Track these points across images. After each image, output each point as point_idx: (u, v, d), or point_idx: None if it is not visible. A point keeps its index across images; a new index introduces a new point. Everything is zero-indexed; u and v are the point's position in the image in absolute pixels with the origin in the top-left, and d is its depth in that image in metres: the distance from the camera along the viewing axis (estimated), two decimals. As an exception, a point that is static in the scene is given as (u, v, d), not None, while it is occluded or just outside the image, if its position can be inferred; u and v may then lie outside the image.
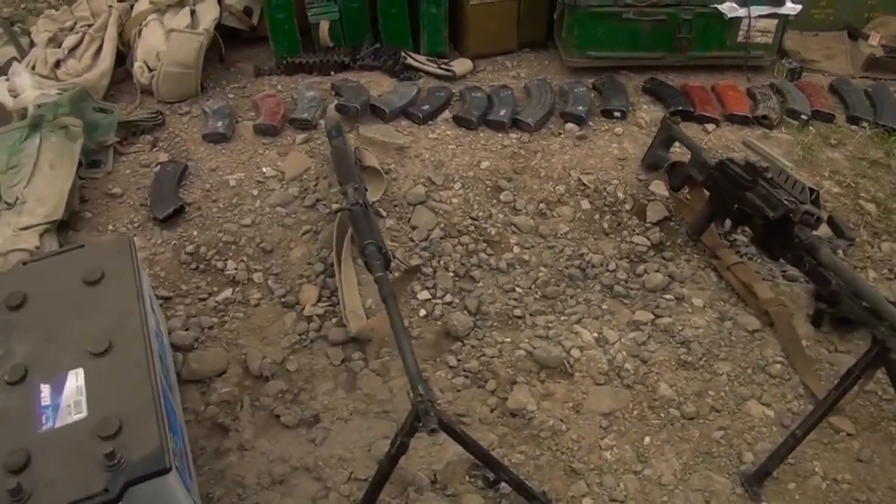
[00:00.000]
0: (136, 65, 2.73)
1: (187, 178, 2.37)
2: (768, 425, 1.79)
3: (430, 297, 2.03)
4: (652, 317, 2.00)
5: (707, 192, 2.14)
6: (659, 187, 2.35)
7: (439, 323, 1.97)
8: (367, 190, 2.04)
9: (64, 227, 2.18)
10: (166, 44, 2.68)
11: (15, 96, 2.58)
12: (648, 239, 2.21)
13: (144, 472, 1.38)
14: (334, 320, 1.97)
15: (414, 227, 2.21)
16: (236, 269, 2.10)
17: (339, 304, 2.00)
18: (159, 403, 1.53)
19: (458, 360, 1.87)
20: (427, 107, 2.58)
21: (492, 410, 1.79)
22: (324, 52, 2.84)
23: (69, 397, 1.46)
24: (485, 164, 2.40)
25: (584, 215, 2.28)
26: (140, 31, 2.85)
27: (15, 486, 1.28)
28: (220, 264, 2.11)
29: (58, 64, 2.73)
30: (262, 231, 2.20)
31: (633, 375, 1.87)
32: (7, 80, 2.61)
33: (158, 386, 1.54)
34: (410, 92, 2.64)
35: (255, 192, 2.31)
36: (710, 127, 2.60)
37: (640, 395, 1.83)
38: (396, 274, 1.85)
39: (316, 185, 2.33)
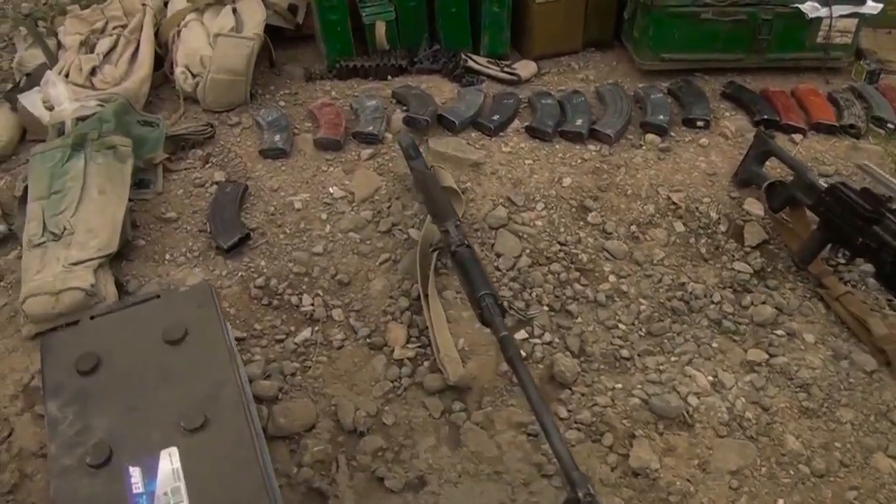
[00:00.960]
0: (178, 70, 2.54)
1: (247, 199, 2.19)
2: (898, 479, 1.67)
3: (526, 335, 1.87)
4: (766, 356, 1.86)
5: (814, 216, 1.99)
6: (753, 206, 2.20)
7: (541, 366, 1.82)
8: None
9: (116, 256, 1.99)
10: (213, 49, 2.48)
11: (50, 108, 2.37)
12: (750, 265, 2.07)
13: None
14: (426, 364, 1.82)
15: (499, 255, 2.06)
16: (312, 304, 1.94)
17: (429, 344, 1.85)
18: (271, 489, 1.38)
19: (569, 411, 1.73)
20: (497, 117, 2.41)
21: (612, 469, 1.65)
22: (379, 54, 2.64)
23: (165, 483, 1.30)
24: (567, 182, 2.24)
25: (678, 238, 2.13)
26: (179, 33, 2.65)
27: None
28: (294, 299, 1.95)
29: (93, 71, 2.52)
30: (336, 260, 2.03)
31: (756, 426, 1.73)
32: (40, 91, 2.40)
33: (267, 467, 1.38)
34: (477, 100, 2.47)
35: (324, 216, 2.14)
36: (798, 137, 2.44)
37: (767, 448, 1.70)
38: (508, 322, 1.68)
39: (389, 207, 2.17)
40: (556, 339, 1.87)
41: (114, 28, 2.72)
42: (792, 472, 1.66)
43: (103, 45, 2.62)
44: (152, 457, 1.33)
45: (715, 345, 1.88)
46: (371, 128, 2.33)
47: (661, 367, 1.82)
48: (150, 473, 1.31)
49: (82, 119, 2.26)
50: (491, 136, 2.37)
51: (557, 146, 2.37)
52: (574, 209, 2.17)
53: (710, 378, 1.81)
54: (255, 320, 1.91)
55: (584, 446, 1.68)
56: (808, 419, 1.75)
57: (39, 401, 1.75)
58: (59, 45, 2.75)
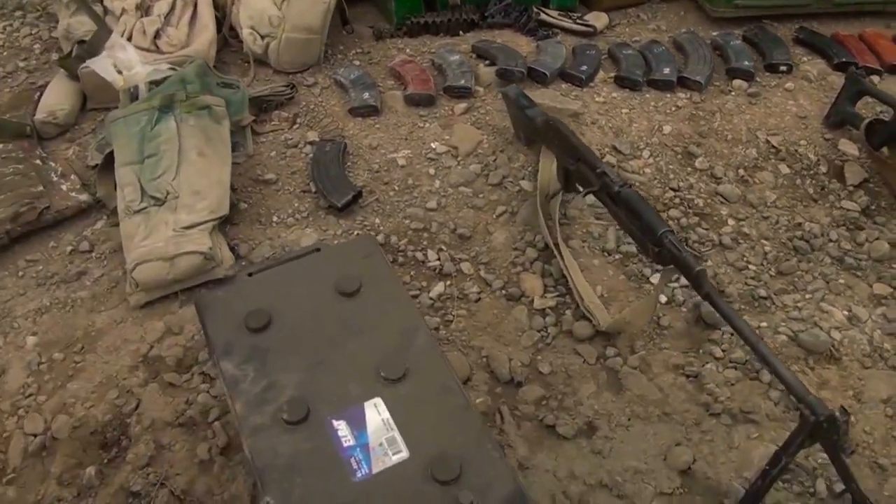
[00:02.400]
0: (245, 32, 2.45)
1: (347, 158, 2.12)
2: None
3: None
4: (891, 289, 1.88)
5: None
6: (848, 146, 2.21)
7: (684, 309, 1.80)
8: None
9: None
10: (284, 6, 2.39)
11: (120, 73, 2.27)
12: (856, 203, 2.07)
13: None
14: (569, 312, 1.79)
15: (615, 203, 2.02)
16: (439, 259, 1.90)
17: (567, 293, 1.82)
18: (491, 433, 1.34)
19: (723, 351, 1.72)
20: (585, 67, 2.38)
21: (776, 405, 1.63)
22: (449, 10, 2.58)
23: (378, 434, 1.25)
24: (667, 129, 2.23)
25: (785, 181, 2.13)
26: (237, -5, 2.54)
27: None
28: (419, 255, 1.90)
29: (156, 34, 2.41)
30: (453, 215, 1.99)
31: (896, 356, 1.73)
32: (108, 55, 2.29)
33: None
34: (560, 52, 2.43)
35: (432, 171, 2.09)
36: (875, 79, 2.45)
37: (913, 377, 1.70)
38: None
39: (495, 160, 2.12)
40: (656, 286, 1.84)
41: (167, -10, 2.59)
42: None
43: (161, 7, 2.51)
44: (356, 409, 1.28)
45: (842, 281, 1.89)
46: (462, 81, 2.28)
47: (798, 305, 1.82)
48: (358, 426, 1.26)
49: (155, 83, 2.16)
50: (582, 87, 2.34)
51: (648, 95, 2.35)
52: (679, 156, 2.16)
53: (845, 313, 1.81)
54: (381, 277, 1.84)
55: (744, 384, 1.66)
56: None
57: (165, 369, 1.68)
58: (105, 11, 2.62)
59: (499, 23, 2.60)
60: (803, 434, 1.24)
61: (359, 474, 1.21)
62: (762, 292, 1.85)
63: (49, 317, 1.83)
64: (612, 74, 2.41)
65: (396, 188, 2.05)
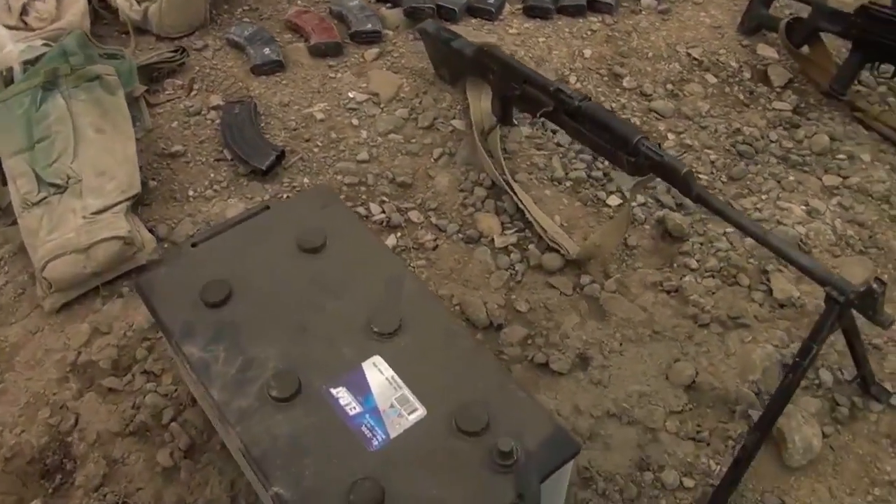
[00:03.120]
0: (120, 0, 2.18)
1: (258, 119, 1.93)
2: None
3: (620, 201, 1.77)
4: (840, 179, 1.88)
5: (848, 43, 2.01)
6: (766, 50, 2.21)
7: (647, 227, 1.73)
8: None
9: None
10: (158, -35, 2.15)
11: (-9, 55, 1.98)
12: (787, 103, 2.06)
13: (558, 459, 1.08)
14: (532, 247, 1.68)
15: (554, 131, 1.93)
16: (384, 211, 1.75)
17: (527, 228, 1.71)
18: (510, 373, 1.22)
19: (697, 262, 1.66)
20: (492, 0, 2.25)
21: (760, 306, 1.59)
22: (335, -45, 2.40)
23: (385, 395, 1.11)
24: (587, 53, 2.15)
25: (714, 90, 2.10)
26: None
27: None
28: (361, 210, 1.75)
29: (23, 10, 2.12)
30: (388, 164, 1.84)
31: (861, 241, 1.74)
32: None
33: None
34: (459, -15, 2.30)
35: (355, 122, 1.93)
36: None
37: (880, 258, 1.71)
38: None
39: (420, 102, 1.99)
40: (650, 200, 1.77)
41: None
42: (908, 276, 1.67)
43: (18, -18, 2.20)
44: (354, 372, 1.13)
45: (792, 178, 1.87)
46: (369, 25, 2.13)
47: (757, 207, 1.79)
48: (360, 390, 1.11)
49: (30, 62, 1.89)
50: (492, 21, 2.22)
51: (560, 22, 2.27)
52: (606, 78, 2.08)
53: (804, 207, 1.79)
54: (325, 239, 1.67)
55: (725, 291, 1.61)
56: (899, 225, 1.77)
57: (100, 375, 1.47)
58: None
59: (387, -35, 2.43)
60: (832, 317, 1.18)
61: (375, 443, 1.06)
62: (721, 197, 1.79)
63: (-51, 341, 1.56)
64: (519, 6, 2.30)
65: (320, 144, 1.88)
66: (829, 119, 2.02)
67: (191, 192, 1.78)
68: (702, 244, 1.70)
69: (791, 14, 2.15)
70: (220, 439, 1.39)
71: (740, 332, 1.55)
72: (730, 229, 1.74)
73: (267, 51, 2.06)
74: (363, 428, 1.08)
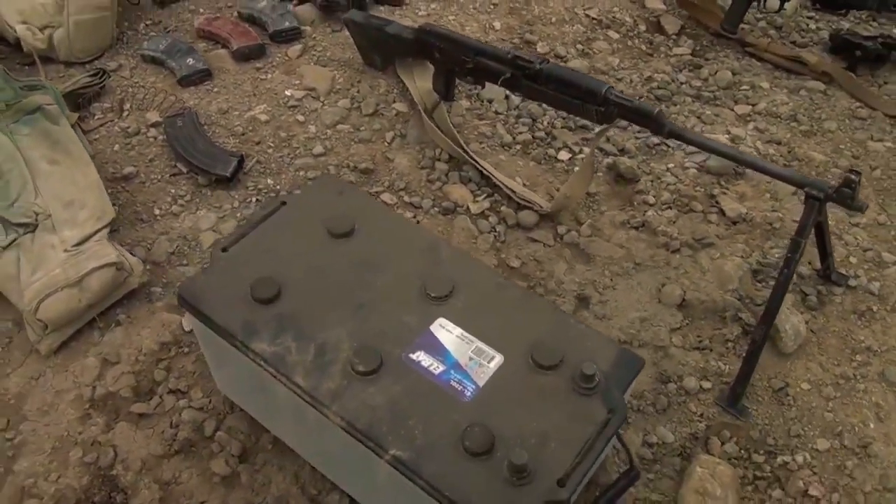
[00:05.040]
0: (20, 28, 2.10)
1: (202, 129, 1.93)
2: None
3: (570, 155, 1.92)
4: (749, 107, 2.10)
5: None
6: (654, 3, 2.43)
7: (600, 174, 1.88)
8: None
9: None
10: (59, -11, 2.08)
11: None
12: (685, 47, 2.28)
13: (631, 374, 1.21)
14: (504, 209, 1.79)
15: (490, 101, 2.05)
16: (356, 198, 1.79)
17: (495, 192, 1.83)
18: (563, 311, 1.33)
19: (654, 197, 1.83)
20: (397, -15, 2.34)
21: (717, 225, 1.79)
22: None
23: (462, 350, 1.20)
24: (497, 25, 2.28)
25: (619, 45, 2.29)
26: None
27: (512, 465, 1.04)
28: (334, 200, 1.78)
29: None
30: (344, 154, 1.90)
31: (783, 157, 1.97)
32: None
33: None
34: (361, -24, 2.36)
35: (301, 118, 1.96)
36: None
37: (803, 168, 1.93)
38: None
39: (358, 91, 2.04)
40: (586, 149, 1.93)
41: None
42: (830, 175, 1.91)
43: None
44: (425, 336, 1.21)
45: (709, 112, 2.08)
46: (287, 23, 2.15)
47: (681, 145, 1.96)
48: (437, 351, 1.19)
49: None
50: (400, 6, 2.30)
51: (461, 0, 2.36)
52: (520, 45, 2.21)
53: (727, 136, 2.00)
54: (307, 234, 1.71)
55: (684, 218, 1.79)
56: (810, 137, 2.03)
57: (124, 404, 1.46)
58: None
59: (283, -36, 2.45)
60: (814, 213, 1.36)
61: (467, 393, 1.14)
62: (654, 140, 1.97)
63: (-55, 407, 1.48)
64: (420, -12, 2.38)
65: (272, 144, 1.90)
66: (724, 57, 2.25)
67: (156, 211, 1.76)
68: (652, 181, 1.86)
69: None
70: (270, 438, 1.41)
71: (708, 251, 1.73)
72: (672, 164, 1.91)
73: (190, 61, 2.04)
74: (452, 383, 1.15)
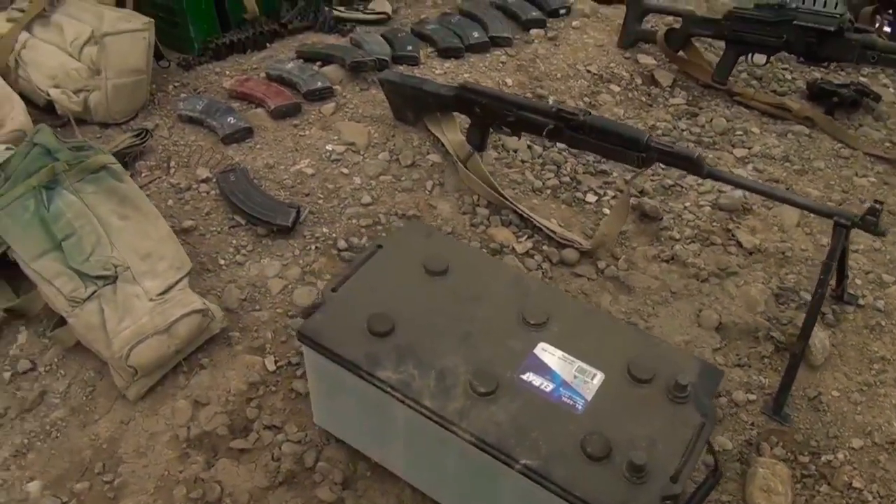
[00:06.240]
0: (54, 92, 2.20)
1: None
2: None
3: (597, 198, 2.10)
4: (746, 150, 2.33)
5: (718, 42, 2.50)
6: (645, 59, 2.65)
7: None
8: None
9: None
10: (97, 54, 2.19)
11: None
12: (680, 98, 2.51)
13: (714, 383, 1.37)
14: (546, 248, 1.95)
15: (515, 150, 2.22)
16: (408, 243, 1.93)
17: (535, 233, 1.98)
18: (646, 332, 1.48)
19: (679, 233, 2.01)
20: (410, 48, 2.52)
21: (736, 256, 1.97)
22: (249, 25, 2.54)
23: (566, 370, 1.35)
24: (509, 81, 2.47)
25: (621, 97, 2.50)
26: (18, 58, 2.27)
27: (633, 466, 1.18)
28: (388, 245, 1.92)
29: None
30: (390, 203, 2.03)
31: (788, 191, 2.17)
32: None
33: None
34: (378, 39, 2.55)
35: (345, 171, 2.10)
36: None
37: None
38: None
39: (394, 145, 2.19)
40: (617, 192, 2.11)
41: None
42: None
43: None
44: (531, 359, 1.35)
45: (711, 155, 2.29)
46: (319, 83, 2.29)
47: (698, 182, 2.17)
48: (545, 372, 1.33)
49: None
50: (418, 65, 2.47)
51: (472, 59, 2.56)
52: (533, 98, 2.40)
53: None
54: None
55: (707, 251, 1.98)
56: (803, 175, 2.26)
57: (221, 442, 1.55)
58: None
59: (299, 27, 2.61)
60: (841, 239, 1.56)
61: (578, 407, 1.28)
62: (668, 181, 2.17)
63: (36, 454, 1.55)
64: (431, 50, 2.56)
65: (321, 195, 2.02)
66: (716, 105, 2.49)
67: (221, 261, 1.85)
68: (674, 219, 2.05)
69: (665, 25, 2.60)
70: (368, 466, 1.51)
71: (733, 279, 1.91)
72: (688, 203, 2.11)
73: (231, 120, 2.15)
74: (563, 398, 1.29)
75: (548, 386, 1.30)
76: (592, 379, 1.31)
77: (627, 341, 1.38)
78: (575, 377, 1.31)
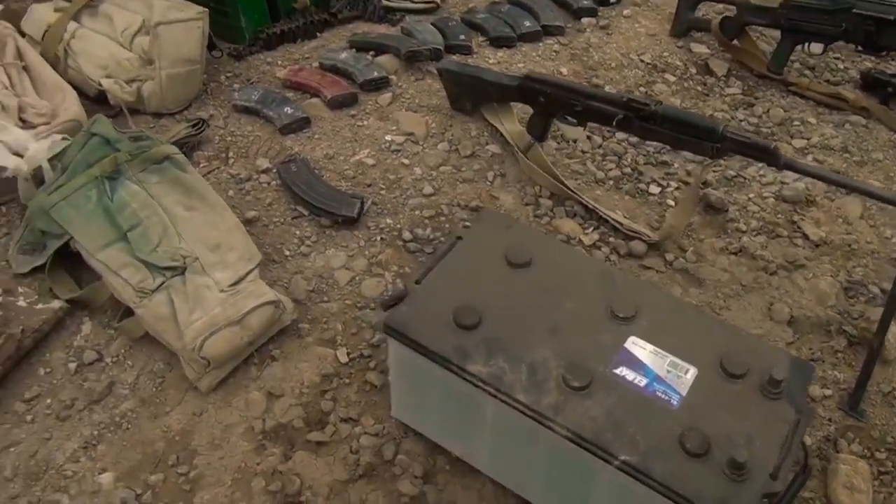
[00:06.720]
0: (106, 82, 2.18)
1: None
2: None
3: (660, 189, 2.08)
4: (805, 141, 2.29)
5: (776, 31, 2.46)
6: (698, 48, 2.61)
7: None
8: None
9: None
10: (150, 44, 2.17)
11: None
12: (735, 88, 2.47)
13: (807, 378, 1.35)
14: (612, 239, 1.93)
15: (575, 140, 2.20)
16: (473, 234, 1.91)
17: (601, 224, 1.96)
18: (735, 326, 1.46)
19: (745, 224, 1.98)
20: (463, 37, 2.49)
21: (803, 248, 1.95)
22: (299, 14, 2.52)
23: (659, 365, 1.32)
24: (564, 70, 2.44)
25: (676, 86, 2.47)
26: (68, 48, 2.25)
27: (734, 463, 1.16)
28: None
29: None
30: (452, 194, 2.02)
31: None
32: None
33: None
34: (430, 28, 2.53)
35: (406, 161, 2.08)
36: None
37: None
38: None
39: (453, 135, 2.17)
40: (681, 183, 2.09)
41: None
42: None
43: (-4, 78, 2.12)
44: (623, 354, 1.33)
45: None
46: (375, 73, 2.27)
47: (761, 173, 2.15)
48: (637, 366, 1.31)
49: (56, 158, 1.87)
50: (471, 55, 2.44)
51: (524, 48, 2.53)
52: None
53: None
54: (432, 269, 1.83)
55: (774, 242, 1.95)
56: (863, 167, 2.23)
57: (297, 434, 1.54)
58: None
59: (348, 17, 2.59)
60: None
61: (673, 402, 1.26)
62: (731, 172, 2.14)
63: (106, 445, 1.54)
64: (481, 38, 2.54)
65: (383, 186, 2.00)
66: (771, 96, 2.45)
67: (286, 252, 1.84)
68: (739, 210, 2.03)
69: (717, 14, 2.56)
70: (447, 459, 1.50)
71: (801, 272, 1.89)
72: (752, 194, 2.08)
73: (289, 110, 2.14)
74: (658, 393, 1.27)
75: (641, 381, 1.28)
76: (686, 374, 1.29)
77: (717, 335, 1.36)
78: (668, 372, 1.29)
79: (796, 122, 2.35)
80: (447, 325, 1.34)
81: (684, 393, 1.27)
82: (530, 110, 2.03)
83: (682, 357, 1.31)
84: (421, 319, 1.35)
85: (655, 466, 1.17)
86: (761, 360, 1.31)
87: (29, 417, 1.56)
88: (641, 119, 1.79)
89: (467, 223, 1.93)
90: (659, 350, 1.32)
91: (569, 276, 1.43)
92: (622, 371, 1.29)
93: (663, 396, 1.26)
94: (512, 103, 2.10)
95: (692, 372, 1.29)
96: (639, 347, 1.32)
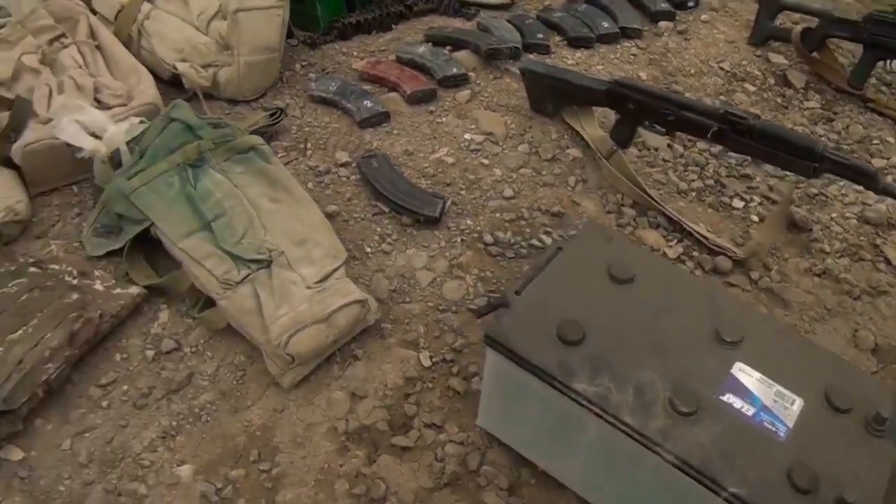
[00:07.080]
0: (182, 66, 2.16)
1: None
2: None
3: (744, 203, 2.04)
4: (884, 161, 2.25)
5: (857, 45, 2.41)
6: (776, 58, 2.57)
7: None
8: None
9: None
10: (229, 29, 2.15)
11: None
12: (815, 102, 2.43)
13: None
14: (696, 254, 1.90)
15: (656, 149, 2.17)
16: (554, 240, 1.89)
17: (685, 237, 1.93)
18: (840, 356, 1.43)
19: (829, 246, 1.95)
20: (541, 35, 2.46)
21: (886, 273, 1.91)
22: (375, 6, 2.49)
23: (765, 393, 1.29)
24: (643, 75, 2.40)
25: (756, 97, 2.42)
26: (142, 28, 2.23)
27: (842, 501, 1.14)
28: (536, 242, 1.89)
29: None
30: (532, 197, 1.99)
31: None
32: (69, 122, 1.88)
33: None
34: (507, 26, 2.49)
35: (486, 161, 2.05)
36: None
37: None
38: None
39: (533, 137, 2.14)
40: (763, 199, 2.05)
41: (51, 40, 2.18)
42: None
43: (67, 59, 2.10)
44: (730, 380, 1.29)
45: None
46: (454, 70, 2.24)
47: (842, 192, 2.11)
48: (743, 394, 1.28)
49: (134, 141, 1.85)
50: (548, 54, 2.41)
51: (602, 50, 2.49)
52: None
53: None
54: (514, 274, 1.81)
55: (857, 266, 1.92)
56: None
57: (382, 437, 1.52)
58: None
59: (423, 10, 2.56)
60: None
61: (780, 434, 1.23)
62: (813, 190, 2.10)
63: (185, 437, 1.52)
64: (559, 38, 2.50)
65: (463, 186, 1.98)
66: (850, 111, 2.40)
67: (367, 249, 1.82)
68: (822, 230, 1.99)
69: (793, 24, 2.51)
70: (532, 473, 1.48)
71: (885, 299, 1.85)
72: (834, 214, 2.04)
73: (368, 103, 2.11)
74: (764, 423, 1.24)
75: (748, 409, 1.25)
76: (792, 405, 1.26)
77: (823, 365, 1.33)
78: (775, 401, 1.27)
79: (875, 141, 2.30)
80: (550, 339, 1.31)
81: (791, 425, 1.24)
82: (611, 114, 1.99)
83: (788, 387, 1.28)
84: (523, 331, 1.33)
85: (764, 501, 1.15)
86: (865, 393, 1.28)
87: (105, 403, 1.55)
88: (737, 133, 1.75)
89: (548, 229, 1.90)
90: (765, 378, 1.29)
91: (672, 294, 1.40)
92: (729, 398, 1.27)
93: (770, 427, 1.23)
94: (594, 108, 2.07)
95: (798, 403, 1.26)
96: (745, 374, 1.30)
